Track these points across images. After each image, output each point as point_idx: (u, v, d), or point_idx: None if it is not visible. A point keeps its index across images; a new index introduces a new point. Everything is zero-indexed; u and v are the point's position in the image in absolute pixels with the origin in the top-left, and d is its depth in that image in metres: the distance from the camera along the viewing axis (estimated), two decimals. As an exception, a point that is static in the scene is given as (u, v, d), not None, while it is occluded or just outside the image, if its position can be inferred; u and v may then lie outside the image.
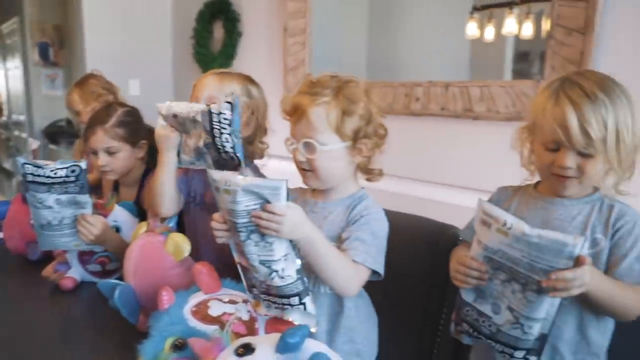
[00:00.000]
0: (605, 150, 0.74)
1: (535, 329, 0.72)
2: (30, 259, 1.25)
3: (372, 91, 0.92)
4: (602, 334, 0.81)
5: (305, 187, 0.96)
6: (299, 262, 0.77)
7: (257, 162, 1.16)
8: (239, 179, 0.73)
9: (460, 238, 0.94)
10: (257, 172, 1.13)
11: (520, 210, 0.86)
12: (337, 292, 0.85)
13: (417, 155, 1.91)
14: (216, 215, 0.80)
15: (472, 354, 0.91)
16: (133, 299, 0.87)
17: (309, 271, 0.81)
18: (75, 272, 1.14)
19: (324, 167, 0.87)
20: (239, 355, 0.59)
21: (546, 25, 1.60)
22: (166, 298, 0.74)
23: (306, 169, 0.88)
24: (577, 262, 0.66)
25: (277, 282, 0.76)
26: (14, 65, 5.14)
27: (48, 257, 1.26)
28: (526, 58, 2.09)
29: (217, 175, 0.76)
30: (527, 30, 1.94)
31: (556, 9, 1.50)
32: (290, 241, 0.76)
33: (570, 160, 0.76)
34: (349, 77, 0.91)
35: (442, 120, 1.85)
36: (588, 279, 0.68)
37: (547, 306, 0.71)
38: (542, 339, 0.73)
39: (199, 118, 0.94)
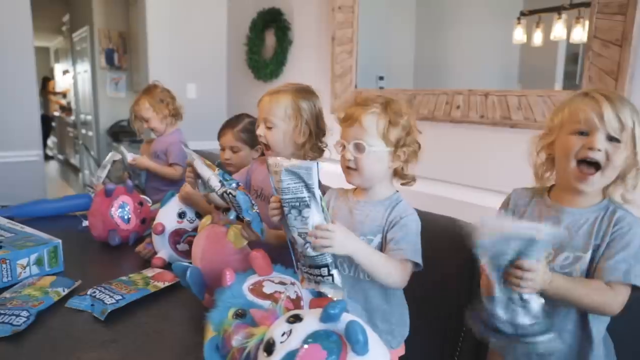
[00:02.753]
0: (634, 141, 0.83)
1: (534, 303, 0.83)
2: (111, 244, 1.45)
3: (413, 105, 1.04)
4: (598, 324, 0.90)
5: (347, 188, 1.09)
6: None
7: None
8: (284, 162, 0.89)
9: None
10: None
11: (533, 220, 0.94)
12: (386, 286, 0.98)
13: (457, 160, 2.00)
14: (274, 197, 0.96)
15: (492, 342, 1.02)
16: (200, 279, 1.03)
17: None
18: (165, 254, 1.35)
19: (368, 165, 0.99)
20: (290, 322, 0.74)
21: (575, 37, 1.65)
22: (229, 276, 0.90)
23: (352, 168, 1.00)
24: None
25: (310, 252, 0.90)
26: (83, 69, 5.58)
27: (124, 243, 1.47)
28: (577, 61, 2.12)
29: (271, 160, 0.92)
30: (577, 34, 1.98)
31: (594, 22, 1.55)
32: (325, 217, 0.90)
33: (600, 143, 0.84)
34: (392, 97, 1.04)
35: (481, 128, 1.93)
36: (540, 275, 0.80)
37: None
38: (544, 309, 0.84)
39: (210, 183, 1.07)
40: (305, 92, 1.26)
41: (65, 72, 7.99)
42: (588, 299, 0.84)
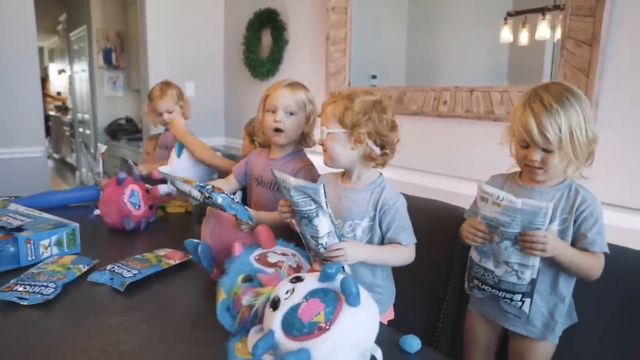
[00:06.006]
0: (562, 147, 0.96)
1: (527, 275, 0.98)
2: (126, 228, 1.57)
3: (404, 101, 1.16)
4: (567, 287, 1.05)
5: (337, 173, 1.21)
6: (337, 240, 1.03)
7: (308, 150, 1.48)
8: (291, 180, 1.01)
9: (465, 216, 1.18)
10: (306, 159, 1.43)
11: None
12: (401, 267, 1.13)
13: (444, 152, 2.13)
14: (282, 202, 1.10)
15: (470, 304, 1.15)
16: (210, 254, 1.15)
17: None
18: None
19: (329, 146, 1.13)
20: (293, 282, 0.85)
21: (559, 36, 1.78)
22: (237, 248, 1.01)
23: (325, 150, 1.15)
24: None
25: (322, 251, 1.03)
26: (81, 68, 5.66)
27: (136, 228, 1.59)
28: (561, 60, 2.23)
29: (278, 174, 1.04)
30: (559, 34, 2.10)
31: (567, 23, 1.69)
32: (332, 222, 1.02)
33: (536, 155, 1.00)
34: (367, 88, 1.16)
35: (467, 122, 2.06)
36: (552, 242, 0.92)
37: (533, 255, 0.96)
38: (533, 283, 0.99)
39: (192, 195, 1.17)
40: (307, 89, 1.43)
41: (60, 71, 8.04)
42: (586, 265, 0.99)
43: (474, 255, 1.06)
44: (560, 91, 0.98)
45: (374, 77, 2.70)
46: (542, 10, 2.17)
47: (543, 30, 2.15)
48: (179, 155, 1.91)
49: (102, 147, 2.06)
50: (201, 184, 1.18)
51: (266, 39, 3.19)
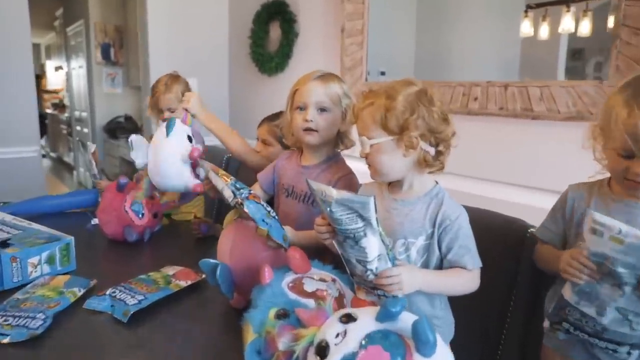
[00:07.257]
0: None
1: None
2: (128, 240, 1.38)
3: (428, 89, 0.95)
4: None
5: (381, 182, 1.02)
6: (390, 264, 0.84)
7: (345, 152, 1.29)
8: (333, 192, 0.81)
9: (538, 235, 0.99)
10: (345, 167, 1.24)
11: (601, 212, 0.87)
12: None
13: (475, 153, 1.95)
14: (319, 219, 0.90)
15: (546, 340, 0.96)
16: (230, 277, 0.96)
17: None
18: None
19: (375, 159, 0.93)
20: (344, 322, 0.68)
21: (610, 24, 1.60)
22: (267, 273, 0.83)
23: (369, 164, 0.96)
24: None
25: (371, 278, 0.84)
26: (78, 64, 5.46)
27: (139, 240, 1.40)
28: (581, 56, 2.08)
29: (315, 185, 0.84)
30: (585, 27, 1.94)
31: (622, 9, 1.50)
32: (383, 242, 0.83)
33: None
34: (404, 79, 0.96)
35: (501, 120, 1.88)
36: None
37: None
38: None
39: (224, 194, 1.00)
40: (342, 80, 1.24)
41: (57, 68, 7.85)
42: None
43: (568, 294, 0.85)
44: None
45: (382, 73, 2.55)
46: (567, 2, 2.01)
47: (567, 23, 1.99)
48: (168, 134, 1.38)
49: (92, 147, 1.84)
50: (237, 185, 1.00)
51: (275, 31, 3.01)
